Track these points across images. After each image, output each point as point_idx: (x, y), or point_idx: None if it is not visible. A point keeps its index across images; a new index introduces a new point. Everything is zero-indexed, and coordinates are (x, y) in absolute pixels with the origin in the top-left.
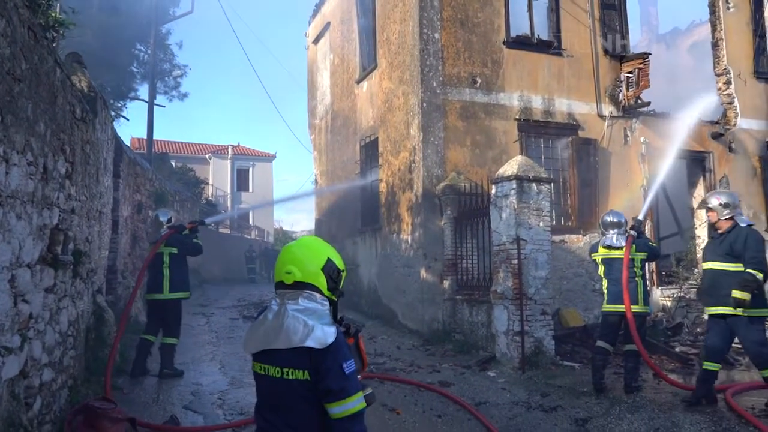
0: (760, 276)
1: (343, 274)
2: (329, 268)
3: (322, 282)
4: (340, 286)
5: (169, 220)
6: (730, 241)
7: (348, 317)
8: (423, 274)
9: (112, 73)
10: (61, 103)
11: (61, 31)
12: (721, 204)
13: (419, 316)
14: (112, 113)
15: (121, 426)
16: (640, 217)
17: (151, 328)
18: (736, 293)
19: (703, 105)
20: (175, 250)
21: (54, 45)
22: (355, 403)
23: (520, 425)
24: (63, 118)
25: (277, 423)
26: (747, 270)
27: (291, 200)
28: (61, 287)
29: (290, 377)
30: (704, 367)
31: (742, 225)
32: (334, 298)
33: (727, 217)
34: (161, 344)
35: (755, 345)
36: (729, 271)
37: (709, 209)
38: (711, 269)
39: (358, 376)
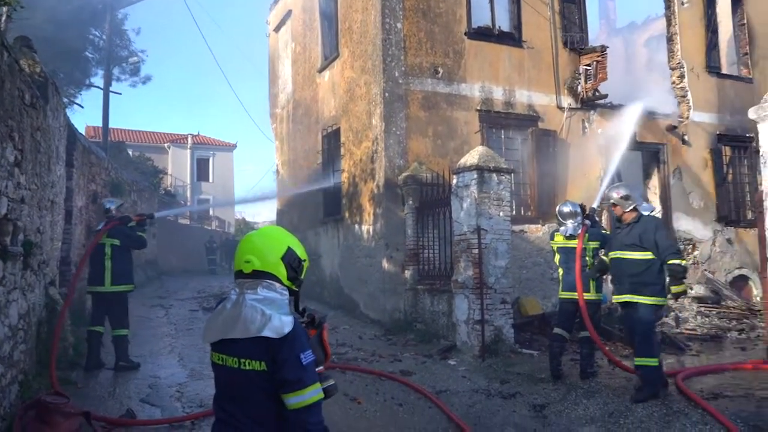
0: (683, 263)
1: (305, 264)
2: (289, 258)
3: (281, 271)
4: (302, 276)
5: (108, 210)
6: (638, 231)
7: (310, 308)
8: (385, 264)
9: (65, 58)
10: (8, 88)
11: (5, 10)
12: (622, 197)
13: (381, 306)
14: (66, 100)
15: (75, 421)
16: (595, 205)
17: (97, 319)
18: (674, 288)
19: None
20: (117, 242)
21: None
22: (311, 393)
23: (479, 412)
24: (11, 104)
25: (235, 413)
26: (669, 261)
27: (253, 201)
28: (10, 279)
29: (247, 368)
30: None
31: (645, 214)
32: (294, 287)
33: (630, 208)
34: (113, 337)
35: (644, 332)
36: (636, 259)
37: (612, 204)
38: (617, 258)
39: (321, 368)
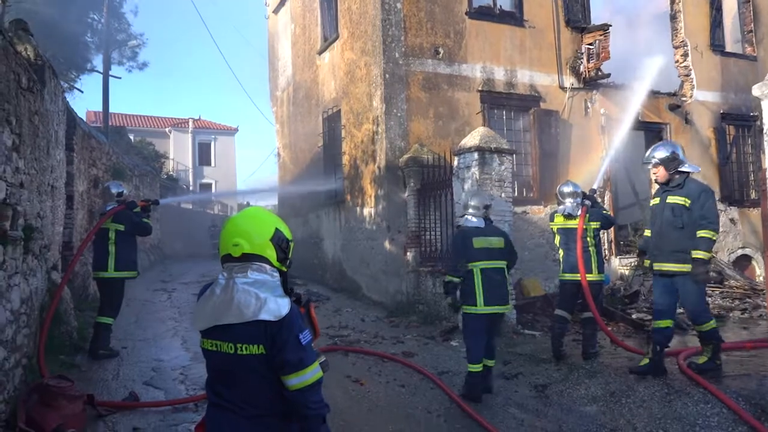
0: (714, 237)
1: (291, 244)
2: (278, 239)
3: (271, 253)
4: (289, 256)
5: (120, 194)
6: (684, 194)
7: (313, 291)
8: (387, 246)
9: (64, 43)
10: (4, 71)
11: None
12: (668, 158)
13: (383, 289)
14: (65, 84)
15: (79, 403)
16: (595, 186)
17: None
18: (698, 254)
19: (654, 68)
20: (121, 227)
21: None
22: (312, 373)
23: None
24: (7, 88)
25: (231, 398)
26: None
27: (254, 192)
28: (11, 264)
29: (244, 352)
30: (654, 325)
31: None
32: (283, 268)
33: (674, 170)
34: (95, 323)
35: (696, 303)
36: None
37: (654, 165)
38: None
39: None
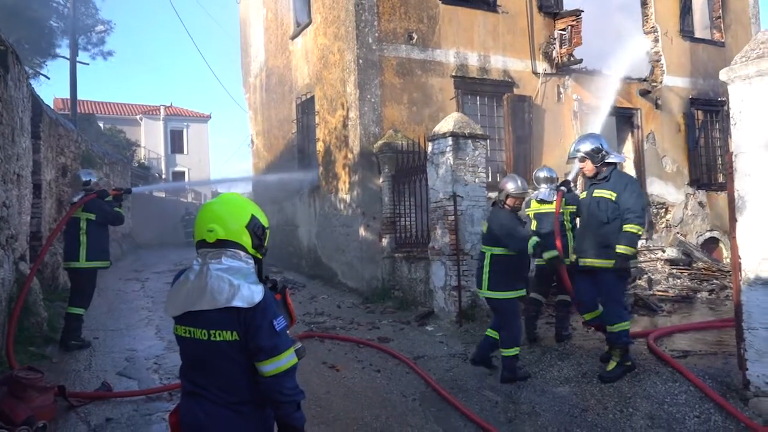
0: (639, 231)
1: (268, 231)
2: (254, 225)
3: (246, 240)
4: (265, 243)
5: (88, 182)
6: (609, 188)
7: (288, 278)
8: (362, 232)
9: (29, 28)
10: None
11: None
12: (593, 150)
13: (359, 275)
14: (30, 70)
15: (49, 395)
16: (570, 177)
17: None
18: (621, 248)
19: (629, 56)
20: (93, 217)
21: None
22: (287, 359)
23: (456, 376)
24: None
25: (206, 385)
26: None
27: (228, 182)
28: None
29: (218, 338)
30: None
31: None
32: (259, 256)
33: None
34: (66, 314)
35: (614, 301)
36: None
37: (581, 159)
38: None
39: (288, 332)
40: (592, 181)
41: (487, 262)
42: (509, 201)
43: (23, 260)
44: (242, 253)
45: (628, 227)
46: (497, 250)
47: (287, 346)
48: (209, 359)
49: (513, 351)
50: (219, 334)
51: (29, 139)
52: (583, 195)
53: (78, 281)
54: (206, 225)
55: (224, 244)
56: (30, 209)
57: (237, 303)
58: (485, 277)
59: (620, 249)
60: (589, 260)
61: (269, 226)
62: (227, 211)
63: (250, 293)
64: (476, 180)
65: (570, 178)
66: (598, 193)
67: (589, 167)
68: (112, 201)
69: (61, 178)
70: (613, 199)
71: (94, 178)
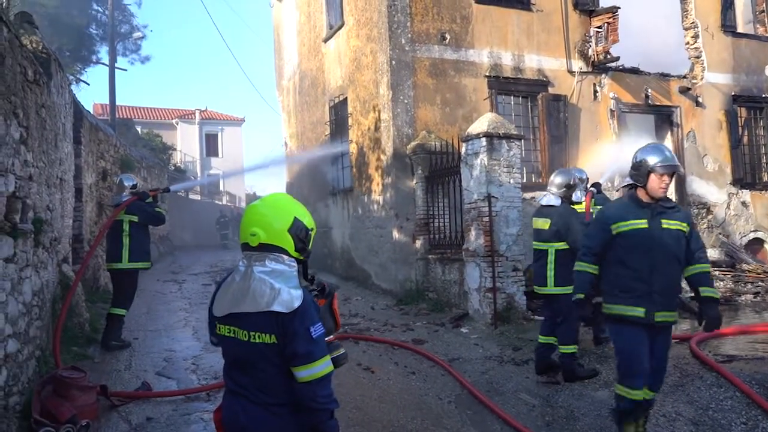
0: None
1: (312, 233)
2: (296, 229)
3: (288, 243)
4: (309, 246)
5: (134, 186)
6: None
7: (322, 280)
8: (395, 234)
9: (69, 35)
10: (9, 64)
11: None
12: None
13: (392, 276)
14: (71, 77)
15: (92, 394)
16: (601, 180)
17: None
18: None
19: None
20: (135, 218)
21: (1, 4)
22: (322, 367)
23: (492, 379)
24: (13, 80)
25: (247, 385)
26: None
27: (262, 168)
28: (21, 257)
29: (257, 341)
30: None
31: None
32: (302, 258)
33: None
34: (108, 314)
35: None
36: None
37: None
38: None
39: (332, 336)
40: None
41: (551, 258)
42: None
43: (66, 262)
44: (285, 257)
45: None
46: (560, 245)
47: (323, 353)
48: (249, 360)
49: (571, 348)
50: (258, 336)
51: (71, 144)
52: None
53: (120, 282)
54: (249, 229)
55: (267, 248)
56: (72, 212)
57: (276, 307)
58: (550, 273)
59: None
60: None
61: (314, 227)
62: (270, 214)
63: (290, 298)
64: (511, 181)
65: (601, 181)
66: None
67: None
68: (153, 201)
69: (101, 181)
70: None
71: (136, 182)
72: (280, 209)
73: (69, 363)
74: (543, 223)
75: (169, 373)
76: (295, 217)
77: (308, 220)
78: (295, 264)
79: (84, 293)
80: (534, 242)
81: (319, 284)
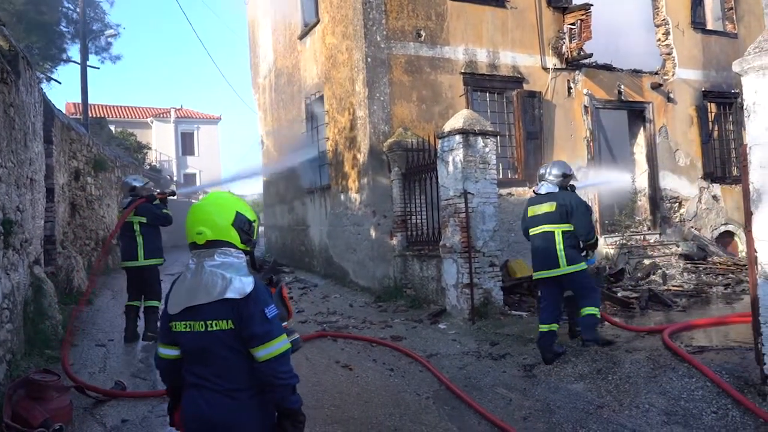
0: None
1: (255, 224)
2: (240, 222)
3: (234, 237)
4: (254, 237)
5: (134, 188)
6: None
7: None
8: (373, 231)
9: (39, 33)
10: None
11: None
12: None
13: (371, 274)
14: (41, 75)
15: (66, 397)
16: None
17: (133, 294)
18: None
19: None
20: (144, 220)
21: None
22: (279, 344)
23: (470, 374)
24: None
25: (207, 375)
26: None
27: (240, 179)
28: None
29: (214, 328)
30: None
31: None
32: (248, 249)
33: None
34: (145, 307)
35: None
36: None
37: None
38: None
39: (286, 323)
40: None
41: (559, 239)
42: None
43: (38, 264)
44: (233, 250)
45: None
46: (566, 227)
47: (279, 332)
48: (208, 348)
49: (596, 310)
50: (215, 324)
51: (41, 144)
52: None
53: (141, 279)
54: (195, 228)
55: (214, 244)
56: (43, 213)
57: (230, 295)
58: (561, 254)
59: None
60: None
61: (256, 219)
62: (213, 212)
63: (242, 285)
64: (487, 177)
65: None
66: None
67: None
68: (160, 204)
69: (73, 181)
70: None
71: (139, 183)
72: (222, 206)
73: (42, 366)
74: (549, 207)
75: (144, 374)
76: (237, 212)
77: (250, 213)
78: (243, 255)
79: (57, 295)
80: (533, 228)
81: (266, 277)
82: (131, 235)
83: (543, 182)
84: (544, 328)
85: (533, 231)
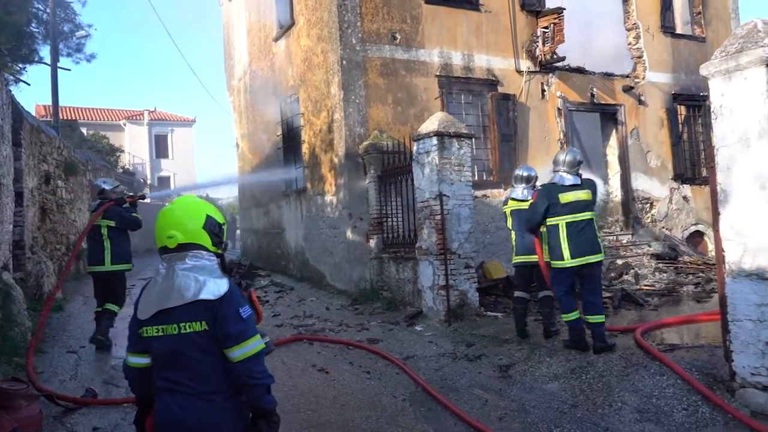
0: None
1: (225, 227)
2: (210, 225)
3: (205, 239)
4: (224, 239)
5: (102, 191)
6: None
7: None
8: (349, 234)
9: (7, 33)
10: None
11: None
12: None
13: (347, 277)
14: (10, 77)
15: (37, 404)
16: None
17: (101, 300)
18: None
19: None
20: (112, 223)
21: None
22: (254, 344)
23: (446, 375)
24: None
25: (180, 379)
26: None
27: (215, 185)
28: None
29: (188, 330)
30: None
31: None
32: (219, 251)
33: None
34: (102, 309)
35: None
36: None
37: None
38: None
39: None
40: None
41: (596, 227)
42: None
43: (6, 270)
44: (204, 252)
45: None
46: (593, 215)
47: (254, 332)
48: (182, 351)
49: (603, 317)
50: (189, 326)
51: (10, 147)
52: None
53: (107, 284)
54: (165, 232)
55: (185, 248)
56: (12, 217)
57: (204, 296)
58: (597, 241)
59: None
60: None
61: (225, 222)
62: (183, 215)
63: (216, 286)
64: (462, 179)
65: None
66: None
67: None
68: (130, 207)
69: (44, 185)
70: None
71: (108, 186)
72: (192, 209)
73: (10, 374)
74: (586, 195)
75: (117, 381)
76: (207, 215)
77: (219, 216)
78: (214, 258)
79: (26, 301)
80: (571, 216)
81: (236, 280)
82: (99, 239)
83: (559, 173)
84: (571, 317)
85: (570, 218)
